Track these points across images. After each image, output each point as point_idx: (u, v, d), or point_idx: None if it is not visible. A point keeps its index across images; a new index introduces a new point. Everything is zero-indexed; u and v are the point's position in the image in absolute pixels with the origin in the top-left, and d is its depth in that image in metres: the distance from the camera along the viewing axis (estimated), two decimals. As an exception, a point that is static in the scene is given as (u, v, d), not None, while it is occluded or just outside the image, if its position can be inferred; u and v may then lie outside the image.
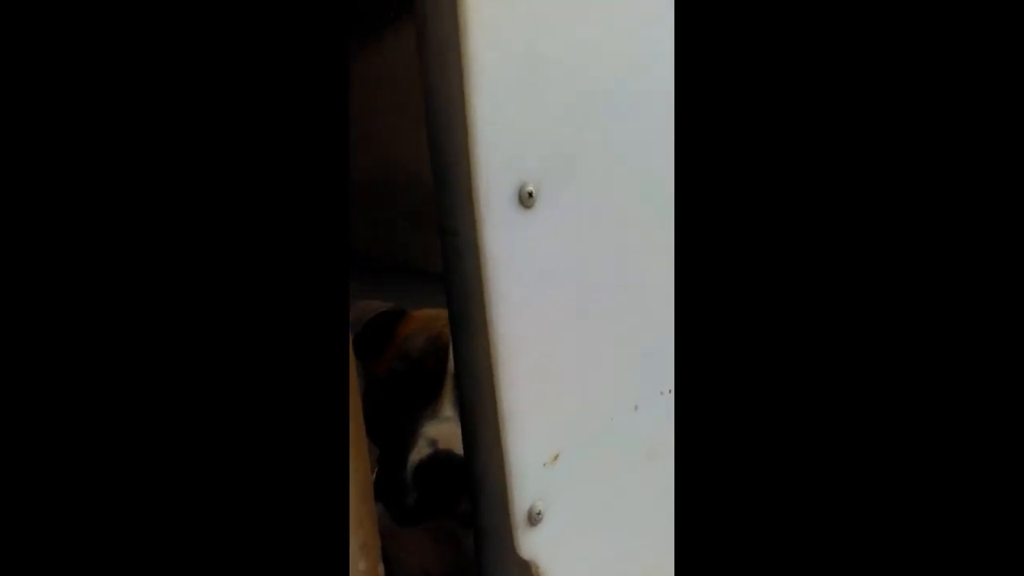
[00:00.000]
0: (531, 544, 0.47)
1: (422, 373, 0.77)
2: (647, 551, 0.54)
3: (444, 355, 0.77)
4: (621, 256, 0.48)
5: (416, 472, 0.70)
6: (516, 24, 0.40)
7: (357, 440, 0.43)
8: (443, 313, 0.80)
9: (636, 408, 0.51)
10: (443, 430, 0.72)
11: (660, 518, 0.51)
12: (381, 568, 0.47)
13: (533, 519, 0.46)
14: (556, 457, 0.47)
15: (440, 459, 0.70)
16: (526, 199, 0.41)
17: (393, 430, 0.77)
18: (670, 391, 0.52)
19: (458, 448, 0.67)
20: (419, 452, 0.71)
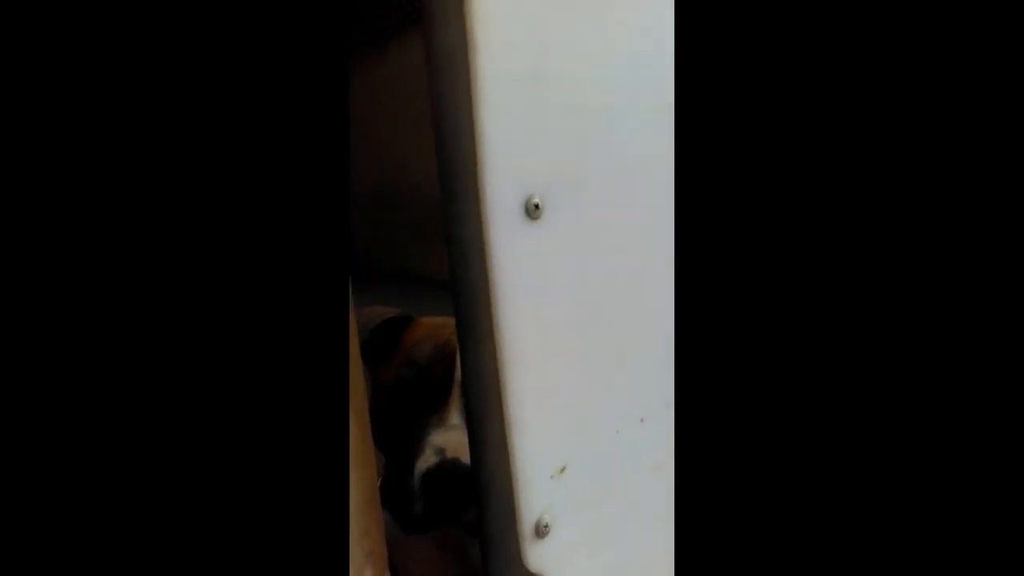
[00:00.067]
0: (539, 557, 0.46)
1: (429, 381, 0.77)
2: (655, 565, 0.54)
3: (451, 363, 0.77)
4: (628, 267, 0.48)
5: (423, 480, 0.70)
6: (524, 34, 0.40)
7: (363, 447, 0.43)
8: (450, 321, 0.80)
9: (642, 421, 0.51)
10: (450, 438, 0.72)
11: (667, 532, 0.51)
12: (387, 576, 0.47)
13: (541, 531, 0.46)
14: (563, 469, 0.47)
15: (447, 468, 0.70)
16: (532, 210, 0.41)
17: (400, 437, 0.76)
18: (678, 402, 0.52)
19: (465, 457, 0.67)
20: (426, 460, 0.71)
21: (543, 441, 0.45)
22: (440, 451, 0.71)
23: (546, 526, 0.46)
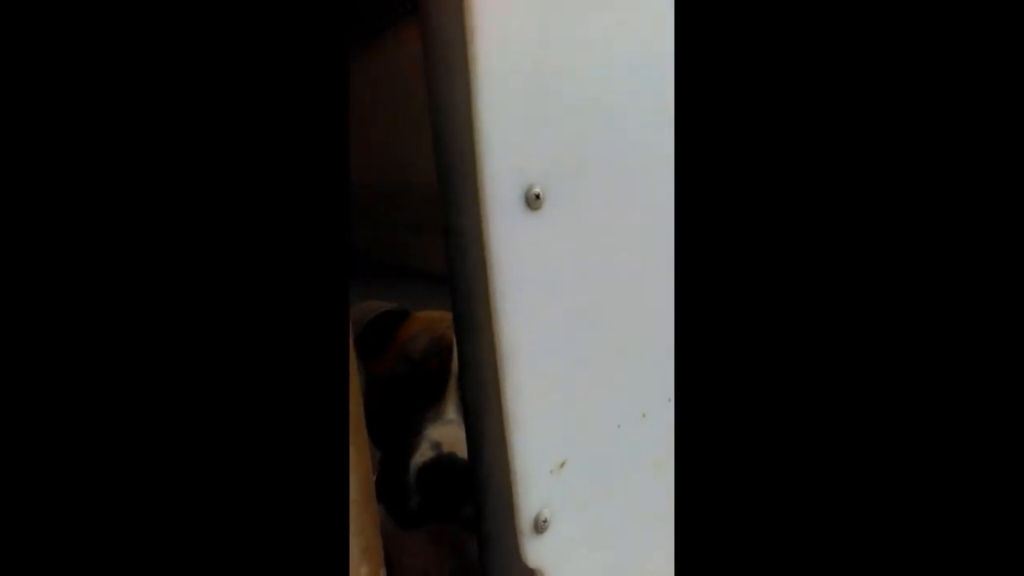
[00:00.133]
0: (537, 553, 0.46)
1: (425, 374, 0.77)
2: (655, 562, 0.54)
3: (447, 356, 0.76)
4: (629, 259, 0.48)
5: (419, 475, 0.70)
6: (523, 25, 0.39)
7: (358, 442, 0.43)
8: (446, 315, 0.79)
9: (644, 416, 0.50)
10: (446, 433, 0.71)
11: (668, 529, 0.51)
12: (383, 572, 0.47)
13: (539, 527, 0.46)
14: (563, 464, 0.46)
15: (443, 462, 0.69)
16: (533, 201, 0.41)
17: (395, 432, 0.76)
18: (678, 397, 0.52)
19: (462, 451, 0.67)
20: (422, 455, 0.70)
21: (542, 436, 0.45)
22: (436, 446, 0.70)
23: (545, 521, 0.46)
